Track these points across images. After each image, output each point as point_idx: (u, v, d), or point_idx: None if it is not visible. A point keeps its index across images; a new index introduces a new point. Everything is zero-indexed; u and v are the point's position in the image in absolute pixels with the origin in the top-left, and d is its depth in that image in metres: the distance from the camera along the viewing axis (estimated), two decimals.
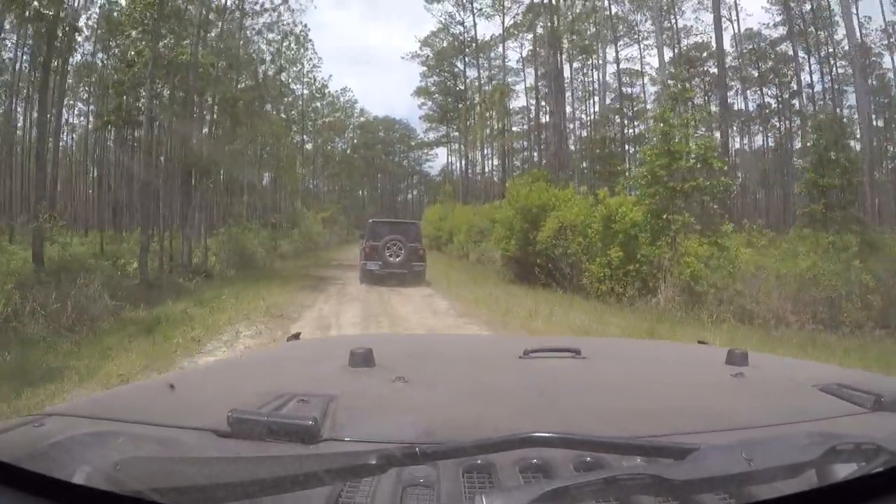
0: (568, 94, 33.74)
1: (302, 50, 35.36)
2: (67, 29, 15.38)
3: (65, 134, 26.59)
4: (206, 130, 19.12)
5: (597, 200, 13.04)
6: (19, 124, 21.94)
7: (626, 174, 22.88)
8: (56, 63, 18.17)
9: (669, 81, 24.13)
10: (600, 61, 32.93)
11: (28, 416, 0.98)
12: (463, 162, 43.21)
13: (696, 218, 11.61)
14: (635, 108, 34.25)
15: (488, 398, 1.16)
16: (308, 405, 0.96)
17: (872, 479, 0.68)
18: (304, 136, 41.92)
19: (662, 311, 10.38)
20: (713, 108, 27.84)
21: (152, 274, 13.29)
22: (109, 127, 20.70)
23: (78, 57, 23.18)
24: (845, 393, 1.12)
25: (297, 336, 2.17)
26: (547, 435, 0.75)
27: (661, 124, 12.44)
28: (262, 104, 24.65)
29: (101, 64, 22.96)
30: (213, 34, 19.86)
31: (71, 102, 26.42)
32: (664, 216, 11.59)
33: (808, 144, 21.57)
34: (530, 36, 35.90)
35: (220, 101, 19.16)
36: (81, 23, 21.13)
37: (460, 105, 40.62)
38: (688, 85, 17.74)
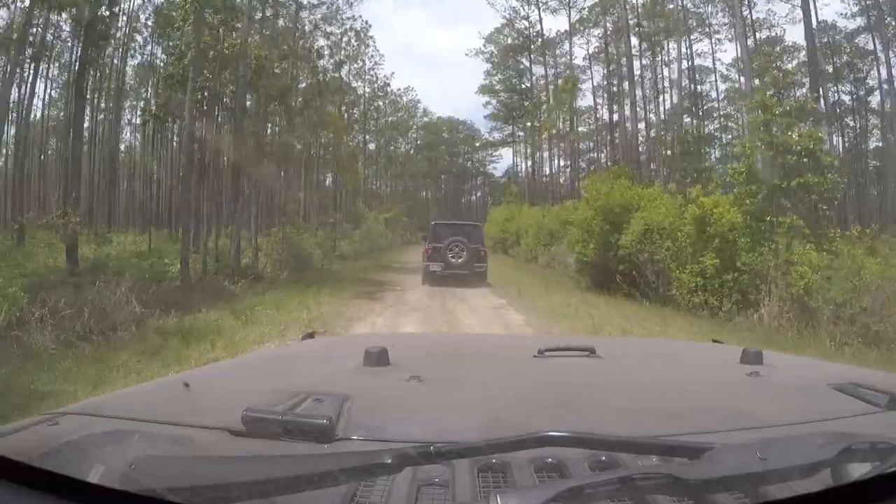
0: (637, 91, 33.29)
1: (362, 46, 34.95)
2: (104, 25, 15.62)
3: (128, 133, 28.49)
4: (257, 126, 18.88)
5: (686, 200, 12.00)
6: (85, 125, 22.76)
7: (714, 171, 21.40)
8: (113, 61, 18.12)
9: (753, 66, 21.68)
10: (669, 57, 32.48)
11: (42, 415, 1.00)
12: (528, 162, 42.89)
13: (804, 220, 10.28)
14: (705, 107, 33.50)
15: (503, 397, 1.17)
16: (323, 404, 0.97)
17: (887, 479, 0.67)
18: (367, 136, 42.59)
19: (768, 329, 9.22)
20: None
21: (194, 276, 12.78)
22: (157, 121, 21.14)
23: (138, 58, 24.69)
24: (860, 392, 1.11)
25: (311, 335, 2.20)
26: (562, 434, 0.76)
27: (761, 113, 11.23)
28: (320, 99, 25.02)
29: (159, 62, 23.63)
30: (267, 30, 20.05)
31: (133, 103, 28.24)
32: (767, 218, 10.46)
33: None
34: (597, 32, 35.58)
35: (276, 94, 18.67)
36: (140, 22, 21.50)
37: (526, 103, 40.21)
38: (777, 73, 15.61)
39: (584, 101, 38.08)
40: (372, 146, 44.47)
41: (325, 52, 27.61)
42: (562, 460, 0.81)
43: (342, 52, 30.45)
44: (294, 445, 0.83)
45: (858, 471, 0.70)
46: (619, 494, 0.67)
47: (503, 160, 56.35)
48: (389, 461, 0.70)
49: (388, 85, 43.30)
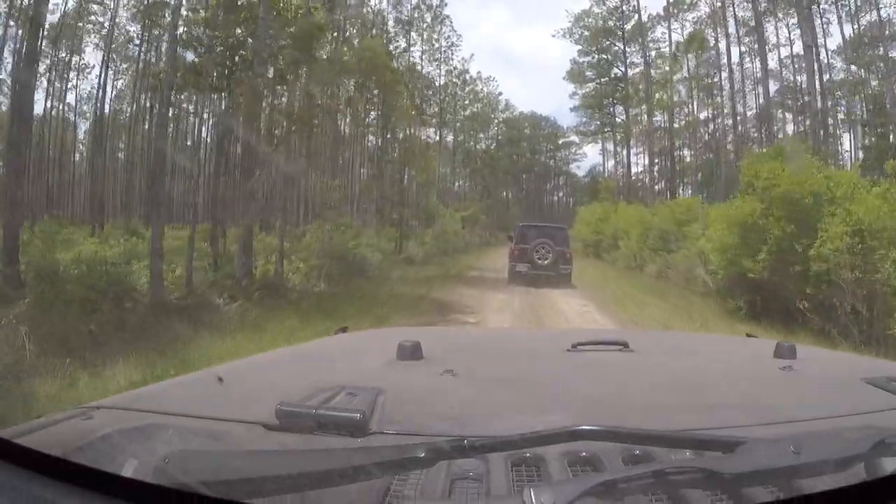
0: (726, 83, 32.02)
1: (438, 26, 31.33)
2: None
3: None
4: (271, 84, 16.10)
5: None
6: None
7: None
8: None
9: None
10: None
11: (77, 409, 1.06)
12: (622, 152, 40.36)
13: None
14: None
15: (536, 391, 1.22)
16: (356, 398, 1.02)
17: None
18: (443, 129, 40.27)
19: None
20: None
21: (177, 290, 10.00)
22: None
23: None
24: (894, 387, 1.10)
25: (344, 329, 2.26)
26: (595, 428, 0.80)
27: None
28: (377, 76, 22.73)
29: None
30: None
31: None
32: None
33: None
34: (690, 16, 33.63)
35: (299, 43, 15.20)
36: None
37: (621, 86, 38.20)
38: None
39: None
40: (449, 139, 42.39)
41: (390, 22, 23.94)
42: (595, 454, 0.85)
43: (413, 28, 26.92)
44: (327, 439, 0.87)
45: (892, 465, 0.72)
46: (652, 488, 0.71)
47: (587, 159, 55.33)
48: (423, 455, 0.75)
49: (467, 72, 40.88)
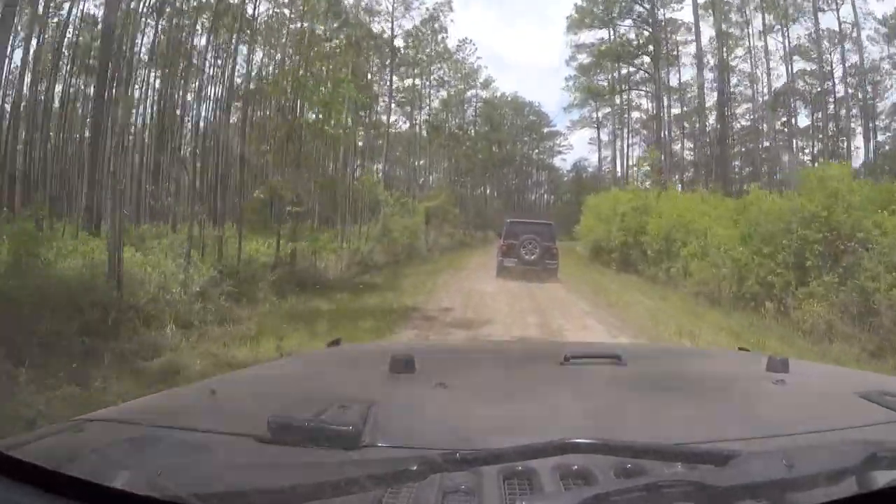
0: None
1: None
2: None
3: None
4: None
5: None
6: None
7: None
8: None
9: None
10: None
11: (69, 422, 1.07)
12: (625, 136, 34.18)
13: None
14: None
15: (529, 404, 1.23)
16: (349, 411, 1.02)
17: None
18: (414, 105, 32.79)
19: None
20: None
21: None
22: None
23: None
24: (887, 400, 1.12)
25: (337, 342, 2.25)
26: (587, 441, 0.81)
27: None
28: None
29: None
30: None
31: None
32: None
33: None
34: None
35: None
36: None
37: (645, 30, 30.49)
38: None
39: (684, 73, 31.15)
40: (419, 120, 34.14)
41: None
42: (587, 467, 0.85)
43: None
44: (320, 452, 0.87)
45: (884, 478, 0.73)
46: (644, 502, 0.71)
47: (572, 151, 49.11)
48: (415, 468, 0.75)
49: (437, 20, 31.24)
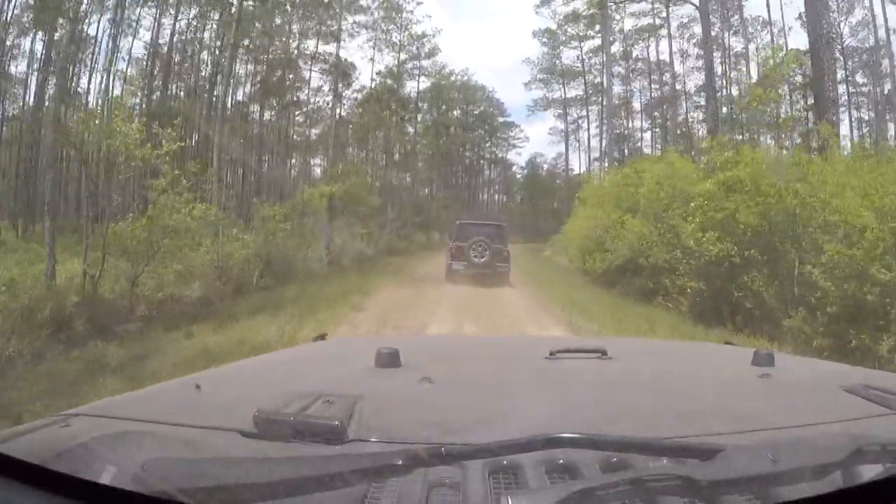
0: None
1: None
2: None
3: None
4: None
5: None
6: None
7: None
8: None
9: None
10: None
11: (53, 417, 1.05)
12: (603, 118, 29.21)
13: None
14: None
15: (514, 399, 1.23)
16: (334, 405, 1.02)
17: None
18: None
19: None
20: None
21: None
22: None
23: None
24: (871, 394, 1.14)
25: (323, 336, 2.27)
26: (573, 435, 0.81)
27: None
28: None
29: None
30: None
31: None
32: None
33: None
34: None
35: None
36: None
37: None
38: None
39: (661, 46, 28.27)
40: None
41: None
42: (573, 462, 0.85)
43: None
44: (305, 447, 0.88)
45: (869, 472, 0.73)
46: (630, 496, 0.71)
47: (528, 144, 44.62)
48: (400, 462, 0.76)
49: None
